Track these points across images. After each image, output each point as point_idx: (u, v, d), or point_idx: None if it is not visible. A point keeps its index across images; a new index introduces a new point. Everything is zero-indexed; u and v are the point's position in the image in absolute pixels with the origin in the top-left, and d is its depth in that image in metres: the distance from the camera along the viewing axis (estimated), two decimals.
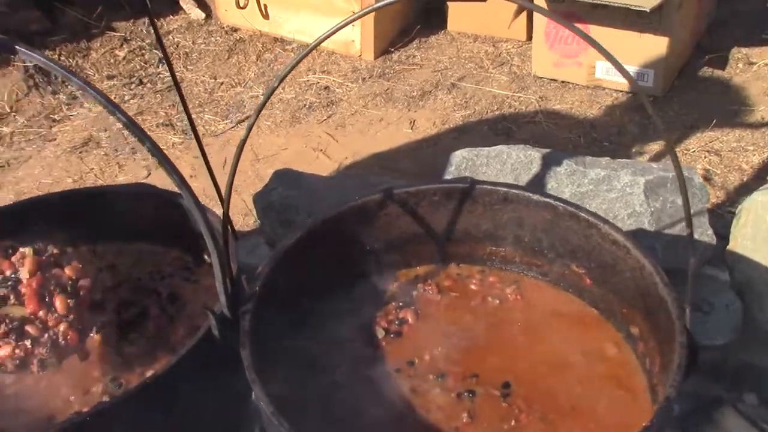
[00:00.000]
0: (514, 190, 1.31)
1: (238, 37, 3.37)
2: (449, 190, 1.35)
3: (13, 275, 1.21)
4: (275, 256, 1.24)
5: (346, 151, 2.80)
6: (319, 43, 1.16)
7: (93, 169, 2.74)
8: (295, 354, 1.25)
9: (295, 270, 1.26)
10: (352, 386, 1.21)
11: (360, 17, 1.15)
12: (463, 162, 1.93)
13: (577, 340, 1.25)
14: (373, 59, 3.24)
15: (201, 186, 2.65)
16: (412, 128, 2.91)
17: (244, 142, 1.16)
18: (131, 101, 3.04)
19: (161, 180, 2.73)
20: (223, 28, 3.39)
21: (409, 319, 1.31)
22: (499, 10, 3.24)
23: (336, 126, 2.93)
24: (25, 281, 1.20)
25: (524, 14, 3.23)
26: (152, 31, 3.25)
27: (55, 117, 2.94)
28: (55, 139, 2.86)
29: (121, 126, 2.93)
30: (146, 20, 3.33)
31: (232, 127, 2.93)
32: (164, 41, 3.31)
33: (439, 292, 1.36)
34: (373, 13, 3.18)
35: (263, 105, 1.14)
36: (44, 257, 1.25)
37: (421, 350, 1.26)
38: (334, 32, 1.16)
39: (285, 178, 2.17)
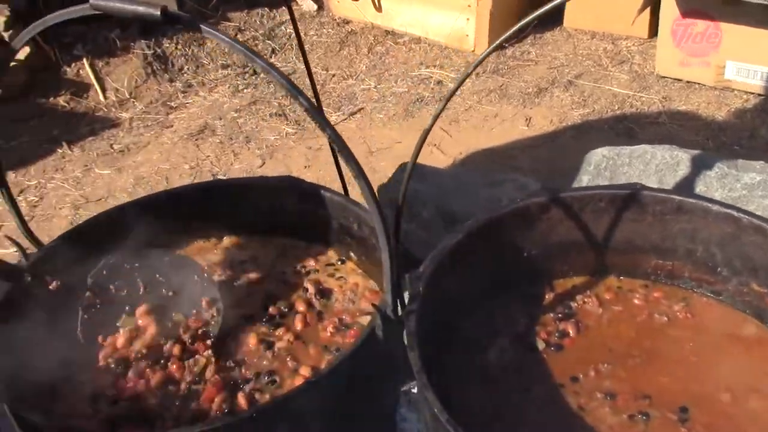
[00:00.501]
0: (690, 200, 1.23)
1: (349, 29, 3.34)
2: (616, 197, 1.27)
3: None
4: (436, 256, 1.20)
5: (460, 146, 2.75)
6: (500, 42, 1.10)
7: (209, 156, 2.76)
8: (453, 360, 1.21)
9: (454, 272, 1.21)
10: (515, 398, 1.16)
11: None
12: (602, 161, 1.84)
13: (759, 365, 1.16)
14: None
15: (314, 177, 2.64)
16: (527, 125, 2.83)
17: (427, 132, 1.11)
18: (245, 90, 3.05)
19: (274, 170, 2.74)
20: (335, 19, 3.37)
21: (570, 332, 1.25)
22: (621, 6, 3.12)
23: (450, 121, 2.87)
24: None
25: (647, 11, 3.10)
26: (265, 22, 3.26)
27: (172, 104, 2.98)
28: (171, 126, 2.89)
29: (235, 114, 2.96)
30: (260, 11, 3.34)
31: (344, 119, 2.91)
32: (277, 32, 3.32)
33: (600, 306, 1.29)
34: (489, 8, 3.10)
35: (453, 93, 1.08)
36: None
37: (585, 366, 1.19)
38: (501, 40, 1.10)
39: None
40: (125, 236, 1.34)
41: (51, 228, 2.48)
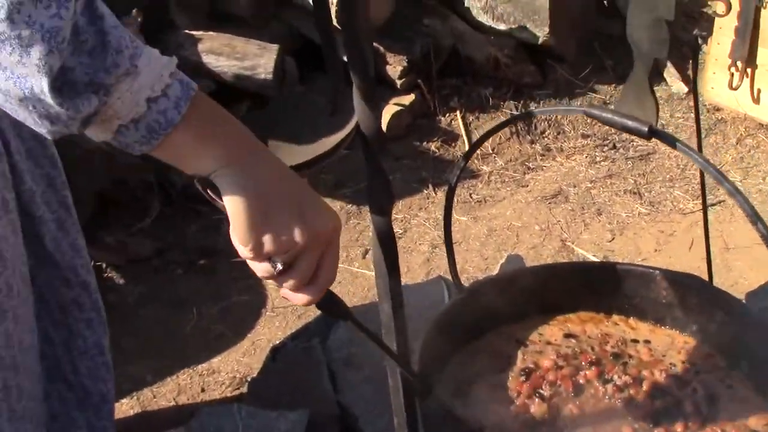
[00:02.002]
0: None
1: (719, 117, 3.25)
2: None
3: None
4: None
5: None
6: None
7: (560, 221, 2.84)
8: None
9: None
10: None
11: None
12: None
13: None
14: None
15: (664, 262, 2.60)
16: None
17: None
18: (602, 163, 3.10)
19: (623, 248, 2.74)
20: (705, 105, 3.29)
21: None
22: None
23: None
24: None
25: None
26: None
27: (530, 165, 3.12)
28: (527, 186, 3.03)
29: (589, 185, 3.01)
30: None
31: (701, 209, 2.82)
32: None
33: None
34: None
35: None
36: None
37: None
38: None
39: None
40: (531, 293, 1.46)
41: (409, 261, 2.73)
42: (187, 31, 3.07)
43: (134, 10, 2.97)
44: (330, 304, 1.02)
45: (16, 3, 0.70)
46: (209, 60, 3.00)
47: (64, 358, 1.45)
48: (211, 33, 3.05)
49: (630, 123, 1.08)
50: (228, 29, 3.06)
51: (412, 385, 1.25)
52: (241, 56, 2.99)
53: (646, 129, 1.07)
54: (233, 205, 0.86)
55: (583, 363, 1.41)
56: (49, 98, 0.74)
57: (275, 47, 2.99)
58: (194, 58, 3.00)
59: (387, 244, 1.29)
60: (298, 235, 0.89)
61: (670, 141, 1.09)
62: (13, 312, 1.32)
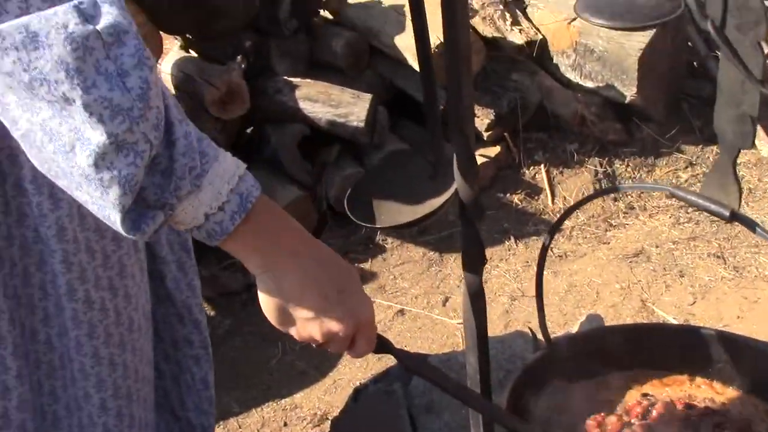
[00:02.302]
0: None
1: None
2: None
3: None
4: None
5: None
6: None
7: (640, 281, 2.85)
8: None
9: None
10: None
11: None
12: None
13: None
14: None
15: (747, 330, 2.58)
16: None
17: None
18: (686, 224, 3.10)
19: (704, 312, 2.73)
20: None
21: None
22: None
23: None
24: None
25: None
26: None
27: (612, 222, 3.15)
28: (608, 243, 3.06)
29: (672, 246, 3.02)
30: (714, 148, 3.38)
31: None
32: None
33: None
34: None
35: None
36: None
37: None
38: None
39: None
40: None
41: (488, 312, 2.77)
42: (286, 77, 3.23)
43: (239, 57, 3.16)
44: (384, 350, 1.13)
45: (101, 153, 0.84)
46: (305, 106, 3.15)
47: (173, 392, 1.57)
48: (308, 80, 3.21)
49: (712, 206, 1.13)
50: (325, 77, 3.21)
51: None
52: (335, 104, 3.13)
53: (728, 213, 1.12)
54: (263, 304, 1.02)
55: (677, 406, 1.44)
56: (120, 229, 0.91)
57: (368, 96, 3.13)
58: (291, 103, 3.16)
59: (477, 302, 1.38)
60: (318, 335, 1.02)
61: (751, 225, 1.13)
62: (132, 345, 1.45)
